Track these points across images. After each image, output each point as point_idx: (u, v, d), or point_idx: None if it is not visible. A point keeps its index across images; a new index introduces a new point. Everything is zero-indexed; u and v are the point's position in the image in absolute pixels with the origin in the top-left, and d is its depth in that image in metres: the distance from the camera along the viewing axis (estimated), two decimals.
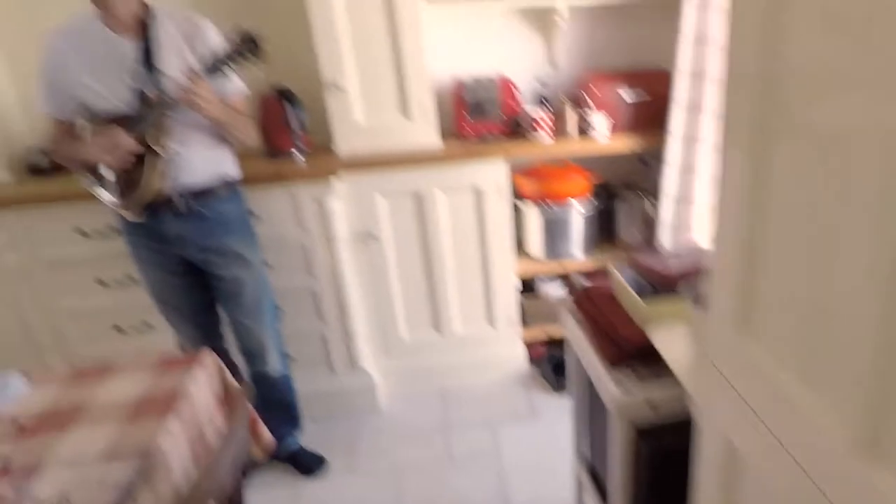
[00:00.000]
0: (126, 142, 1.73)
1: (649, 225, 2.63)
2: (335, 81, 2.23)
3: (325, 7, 2.14)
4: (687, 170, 2.40)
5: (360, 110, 2.30)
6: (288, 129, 2.26)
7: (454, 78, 2.50)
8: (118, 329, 2.34)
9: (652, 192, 2.61)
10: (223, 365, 1.63)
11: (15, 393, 1.49)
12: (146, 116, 1.75)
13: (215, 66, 1.72)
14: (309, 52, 2.22)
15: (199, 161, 1.87)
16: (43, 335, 2.32)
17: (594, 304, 1.76)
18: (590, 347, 1.63)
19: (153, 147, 1.77)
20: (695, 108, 2.31)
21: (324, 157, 2.34)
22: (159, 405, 1.41)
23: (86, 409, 1.43)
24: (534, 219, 2.60)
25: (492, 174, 2.41)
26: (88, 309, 2.31)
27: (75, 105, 1.80)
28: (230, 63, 1.73)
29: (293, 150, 2.29)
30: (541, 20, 2.56)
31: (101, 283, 2.25)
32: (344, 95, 2.25)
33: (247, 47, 1.72)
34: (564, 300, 1.83)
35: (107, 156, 1.76)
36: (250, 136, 1.97)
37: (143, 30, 1.77)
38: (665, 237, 2.52)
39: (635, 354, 1.49)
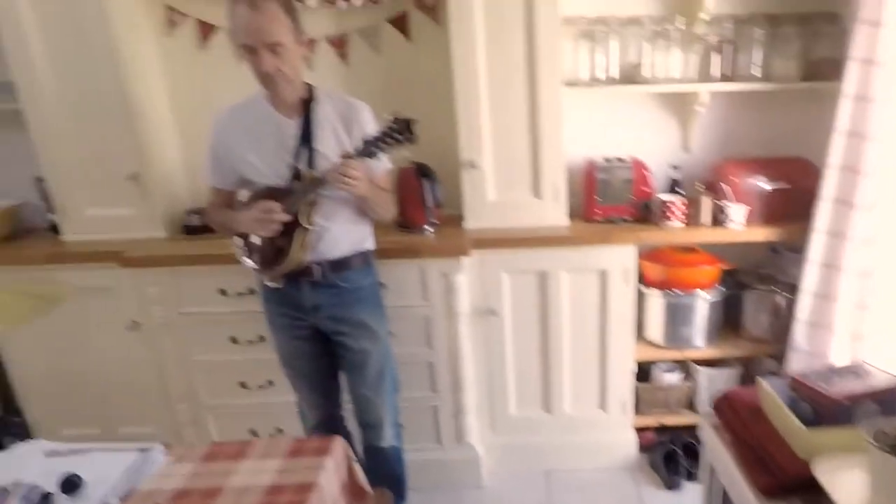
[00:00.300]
0: (278, 215, 1.80)
1: (779, 317, 2.49)
2: (472, 161, 2.26)
3: (471, 91, 2.20)
4: (831, 266, 2.26)
5: (492, 188, 2.32)
6: (423, 205, 2.29)
7: (586, 159, 2.49)
8: (243, 385, 2.42)
9: (783, 282, 2.47)
10: (351, 453, 1.65)
11: (156, 468, 1.53)
12: (299, 192, 1.82)
13: (368, 149, 1.76)
14: (448, 130, 2.27)
15: (341, 235, 1.93)
16: (175, 385, 2.43)
17: (737, 415, 1.65)
18: (734, 466, 1.53)
19: (302, 221, 1.84)
20: (844, 202, 2.19)
21: (453, 231, 2.36)
22: (290, 496, 1.41)
23: (219, 493, 1.44)
24: (656, 302, 2.51)
25: (619, 258, 2.35)
26: (219, 364, 2.40)
27: (237, 178, 1.92)
28: (383, 147, 1.75)
29: (426, 225, 2.32)
30: (678, 104, 2.52)
31: (234, 340, 2.34)
32: (479, 173, 2.28)
33: (400, 132, 1.73)
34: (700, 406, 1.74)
35: (258, 227, 1.83)
36: (391, 211, 2.02)
37: (304, 109, 1.86)
38: (800, 334, 2.37)
39: (794, 488, 1.38)
